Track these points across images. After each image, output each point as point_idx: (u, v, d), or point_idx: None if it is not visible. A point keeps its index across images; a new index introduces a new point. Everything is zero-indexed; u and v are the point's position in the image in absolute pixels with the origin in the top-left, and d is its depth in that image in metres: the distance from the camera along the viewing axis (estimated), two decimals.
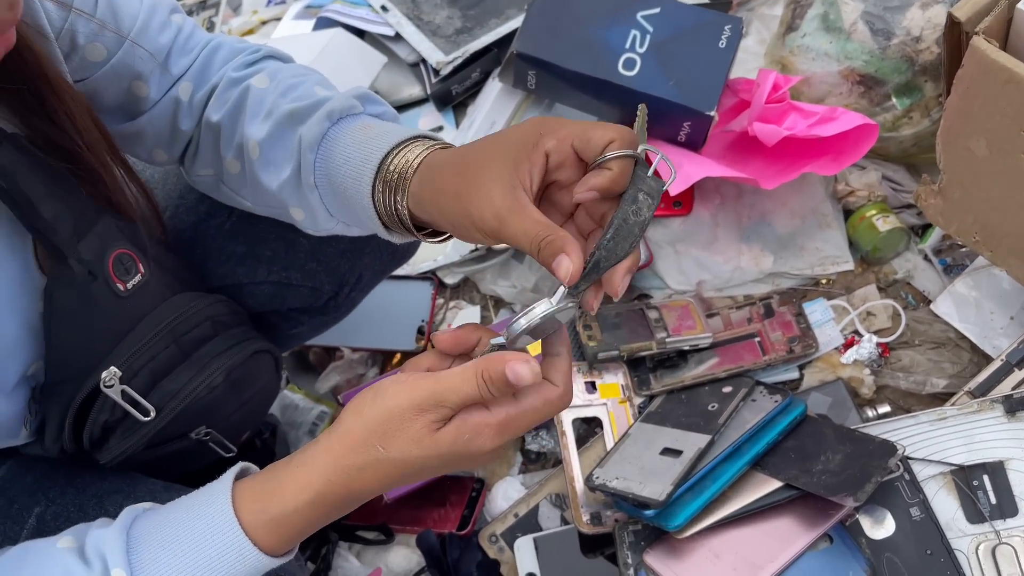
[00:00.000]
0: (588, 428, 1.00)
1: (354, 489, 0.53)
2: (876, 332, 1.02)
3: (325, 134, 0.64)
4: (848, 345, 1.01)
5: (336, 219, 0.67)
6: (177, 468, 0.77)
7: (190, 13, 1.64)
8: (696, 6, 1.09)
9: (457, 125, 1.29)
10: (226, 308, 0.76)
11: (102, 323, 0.66)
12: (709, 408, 0.92)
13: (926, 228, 1.09)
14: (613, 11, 1.01)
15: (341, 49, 1.28)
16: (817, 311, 1.03)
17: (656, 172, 0.54)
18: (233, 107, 0.69)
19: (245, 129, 0.68)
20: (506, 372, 0.50)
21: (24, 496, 0.71)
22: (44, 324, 0.64)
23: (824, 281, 1.08)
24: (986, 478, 0.84)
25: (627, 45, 1.01)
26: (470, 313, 1.16)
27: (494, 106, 1.18)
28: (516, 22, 1.25)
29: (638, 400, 1.00)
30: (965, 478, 0.85)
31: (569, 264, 0.51)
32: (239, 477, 0.56)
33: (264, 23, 1.56)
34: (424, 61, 1.30)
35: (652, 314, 1.04)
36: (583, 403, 0.99)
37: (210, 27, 1.60)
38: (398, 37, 1.31)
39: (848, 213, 1.09)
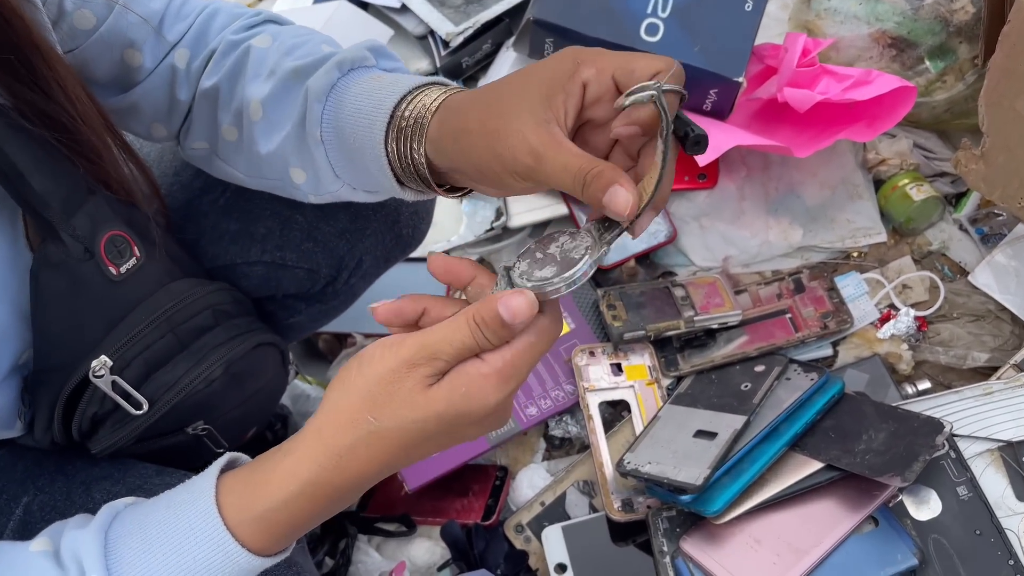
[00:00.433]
0: (615, 412, 0.96)
1: (348, 474, 0.47)
2: (913, 305, 0.98)
3: (334, 84, 0.59)
4: (884, 320, 0.97)
5: (342, 180, 0.62)
6: (176, 463, 0.72)
7: None
8: None
9: None
10: (229, 297, 0.71)
11: (92, 309, 0.62)
12: (742, 388, 0.89)
13: (960, 197, 1.05)
14: None
15: (344, 22, 1.23)
16: (850, 285, 0.99)
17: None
18: (232, 69, 0.65)
19: (246, 90, 0.63)
20: (499, 310, 0.45)
21: (13, 486, 0.67)
22: (31, 308, 0.60)
23: (856, 254, 1.04)
24: None
25: (649, 9, 0.96)
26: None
27: None
28: None
29: (666, 381, 0.96)
30: (1014, 454, 0.81)
31: (627, 195, 0.46)
32: (226, 469, 0.51)
33: None
34: (432, 33, 1.25)
35: (678, 292, 1.00)
36: (609, 385, 0.96)
37: None
38: (404, 9, 1.27)
39: (879, 183, 1.05)
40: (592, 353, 0.97)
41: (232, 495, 0.48)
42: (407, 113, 0.55)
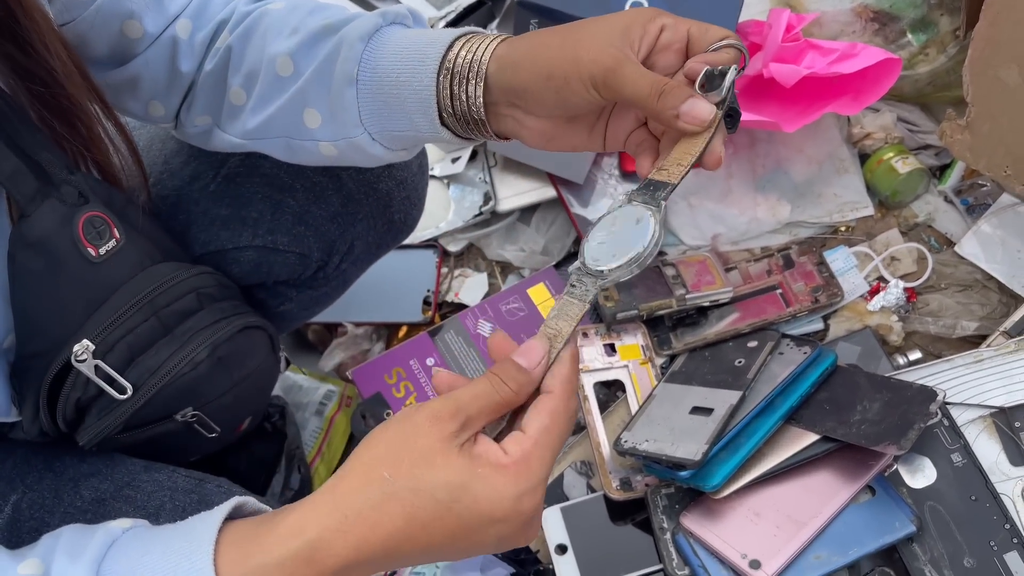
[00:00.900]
0: (610, 392, 0.96)
1: (351, 540, 0.43)
2: (901, 277, 0.98)
3: (380, 28, 0.59)
4: (874, 292, 0.97)
5: (363, 127, 0.60)
6: (170, 456, 0.71)
7: None
8: None
9: None
10: (213, 280, 0.70)
11: (72, 290, 0.61)
12: (736, 364, 0.89)
13: (944, 169, 1.06)
14: None
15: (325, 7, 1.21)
16: (839, 259, 1.00)
17: None
18: (245, 30, 0.63)
19: (267, 48, 0.62)
20: (512, 356, 0.46)
21: (2, 483, 0.66)
22: (10, 289, 0.59)
23: (844, 228, 1.05)
24: None
25: None
26: (477, 280, 1.12)
27: None
28: None
29: (659, 360, 0.96)
30: (1006, 420, 0.82)
31: (705, 104, 0.49)
32: (235, 516, 0.47)
33: None
34: None
35: (669, 271, 1.00)
36: (603, 366, 0.96)
37: None
38: None
39: (864, 157, 1.06)
40: (585, 334, 0.97)
41: (232, 548, 0.44)
42: (463, 53, 0.56)
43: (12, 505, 0.65)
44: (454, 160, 1.16)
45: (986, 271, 0.97)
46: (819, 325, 0.98)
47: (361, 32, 0.59)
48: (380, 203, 0.80)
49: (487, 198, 1.12)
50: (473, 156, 1.17)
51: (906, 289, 0.97)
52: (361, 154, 0.63)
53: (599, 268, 0.48)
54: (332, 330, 1.14)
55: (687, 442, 0.80)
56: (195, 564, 0.43)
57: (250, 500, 0.48)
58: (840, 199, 1.04)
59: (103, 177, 0.64)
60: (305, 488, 0.95)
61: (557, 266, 1.09)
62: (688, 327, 0.98)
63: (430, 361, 1.00)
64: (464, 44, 0.57)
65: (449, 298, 1.12)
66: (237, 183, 0.75)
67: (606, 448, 0.89)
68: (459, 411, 0.44)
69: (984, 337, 0.92)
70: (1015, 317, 0.88)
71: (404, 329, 1.10)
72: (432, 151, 1.18)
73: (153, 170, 0.78)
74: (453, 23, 1.21)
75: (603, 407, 0.93)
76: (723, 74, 0.50)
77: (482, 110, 0.56)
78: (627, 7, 0.96)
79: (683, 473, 0.80)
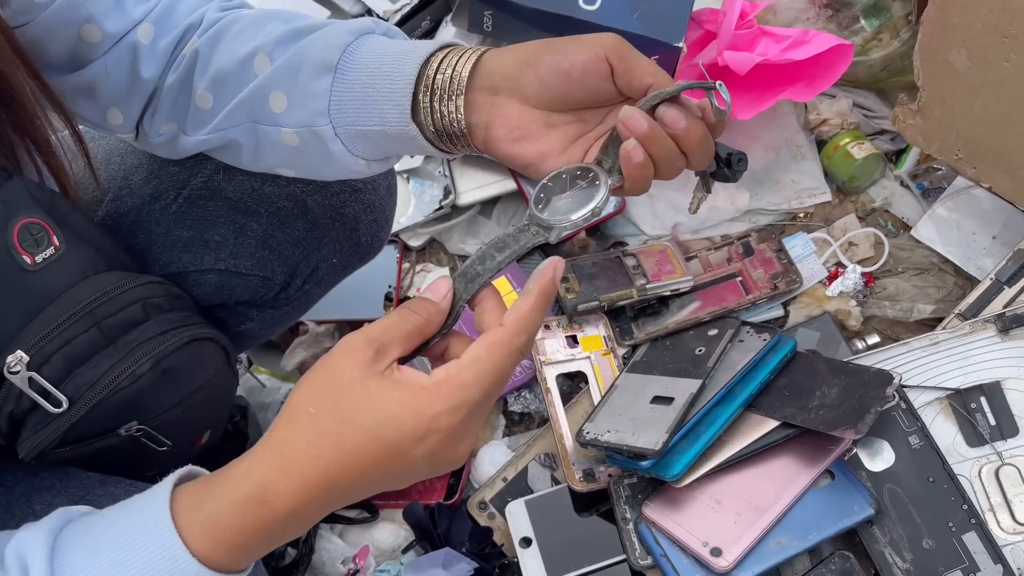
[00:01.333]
0: (573, 384, 0.96)
1: (293, 480, 0.44)
2: (859, 262, 0.99)
3: (368, 31, 0.59)
4: (832, 277, 0.98)
5: (329, 119, 0.59)
6: (126, 470, 0.69)
7: None
8: None
9: None
10: (162, 290, 0.68)
11: (5, 300, 0.59)
12: (696, 352, 0.89)
13: (900, 154, 1.07)
14: None
15: (278, 2, 1.20)
16: (798, 245, 1.00)
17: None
18: (215, 33, 0.62)
19: (240, 51, 0.61)
20: (421, 293, 0.48)
21: None
22: None
23: (802, 215, 1.05)
24: (983, 400, 0.82)
25: None
26: (439, 275, 1.11)
27: None
28: None
29: (621, 351, 0.96)
30: (962, 401, 0.83)
31: (641, 119, 0.51)
32: (184, 480, 0.48)
33: None
34: (370, 11, 1.23)
35: (629, 261, 1.00)
36: (565, 358, 0.95)
37: None
38: None
39: (821, 144, 1.06)
40: (547, 326, 0.97)
41: (186, 496, 0.46)
42: (443, 67, 0.56)
43: None
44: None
45: (942, 254, 0.98)
46: (779, 312, 0.98)
47: (351, 27, 0.58)
48: (347, 227, 0.79)
49: (447, 192, 1.12)
50: None
51: (864, 274, 0.97)
52: (320, 149, 0.61)
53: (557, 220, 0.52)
54: (293, 329, 1.13)
55: (648, 432, 0.80)
56: (152, 511, 0.45)
57: (203, 470, 0.49)
58: (798, 185, 1.05)
59: (56, 180, 0.62)
60: None
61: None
62: (650, 317, 0.97)
63: None
64: (442, 61, 0.56)
65: (411, 293, 1.11)
66: (200, 205, 0.74)
67: (569, 440, 0.89)
68: (371, 340, 0.45)
69: (940, 320, 0.93)
70: (969, 299, 0.89)
71: (366, 326, 1.09)
72: None
73: (112, 185, 0.76)
74: (409, 16, 1.20)
75: (566, 399, 0.93)
76: (729, 162, 0.57)
77: (463, 98, 0.55)
78: None
79: (644, 463, 0.80)
